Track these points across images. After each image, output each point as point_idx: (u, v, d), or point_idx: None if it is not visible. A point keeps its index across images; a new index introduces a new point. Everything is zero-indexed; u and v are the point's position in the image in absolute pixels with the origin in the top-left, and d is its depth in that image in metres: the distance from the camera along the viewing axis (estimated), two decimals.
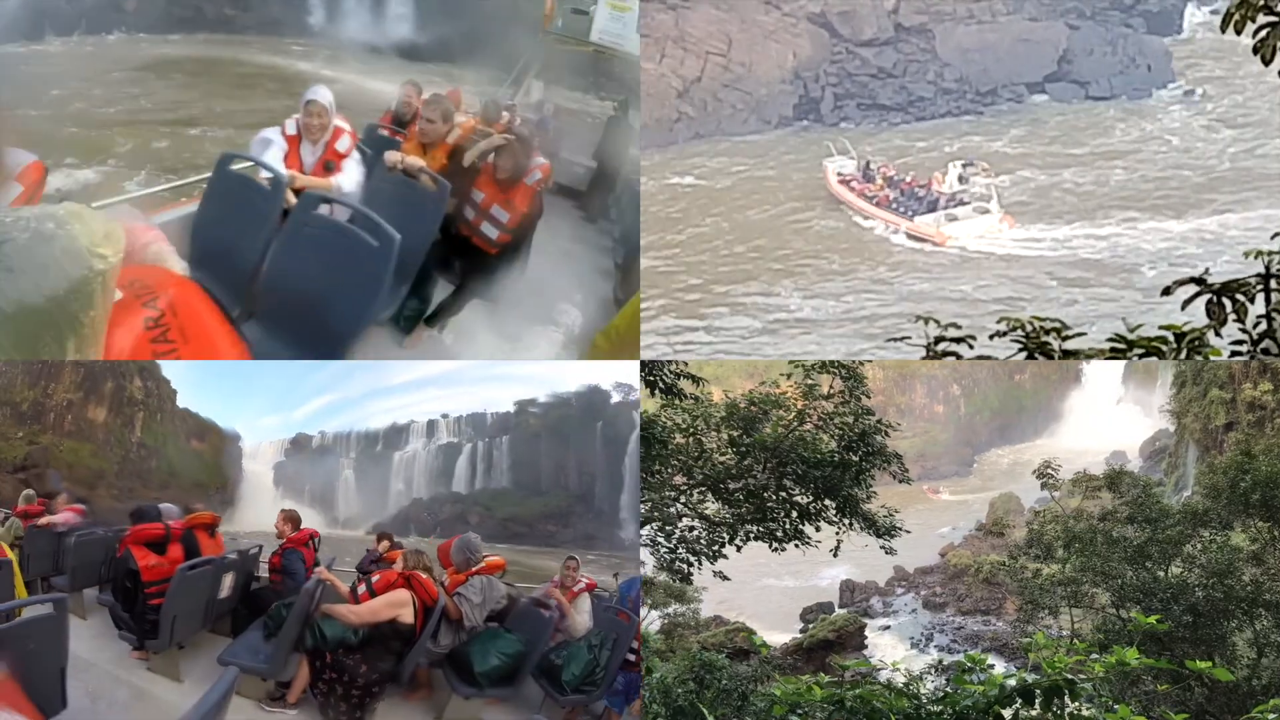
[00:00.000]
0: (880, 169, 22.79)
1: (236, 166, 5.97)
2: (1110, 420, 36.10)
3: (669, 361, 8.35)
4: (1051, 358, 4.08)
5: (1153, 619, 4.51)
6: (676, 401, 8.70)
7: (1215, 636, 9.38)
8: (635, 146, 12.87)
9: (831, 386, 9.19)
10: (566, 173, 11.79)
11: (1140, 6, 28.48)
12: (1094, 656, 3.89)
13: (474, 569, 5.56)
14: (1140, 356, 3.96)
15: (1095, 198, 22.66)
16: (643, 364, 8.47)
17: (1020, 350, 4.11)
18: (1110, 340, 3.98)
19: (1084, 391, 39.25)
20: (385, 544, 6.97)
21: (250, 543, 7.41)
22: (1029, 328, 4.08)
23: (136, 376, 27.55)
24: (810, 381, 9.14)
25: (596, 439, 32.73)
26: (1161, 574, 10.35)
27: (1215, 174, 23.31)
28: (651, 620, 13.94)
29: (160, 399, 29.00)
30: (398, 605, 5.05)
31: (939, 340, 4.29)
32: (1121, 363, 37.83)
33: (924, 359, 4.40)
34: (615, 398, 32.47)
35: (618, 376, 28.30)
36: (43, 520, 7.28)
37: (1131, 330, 3.94)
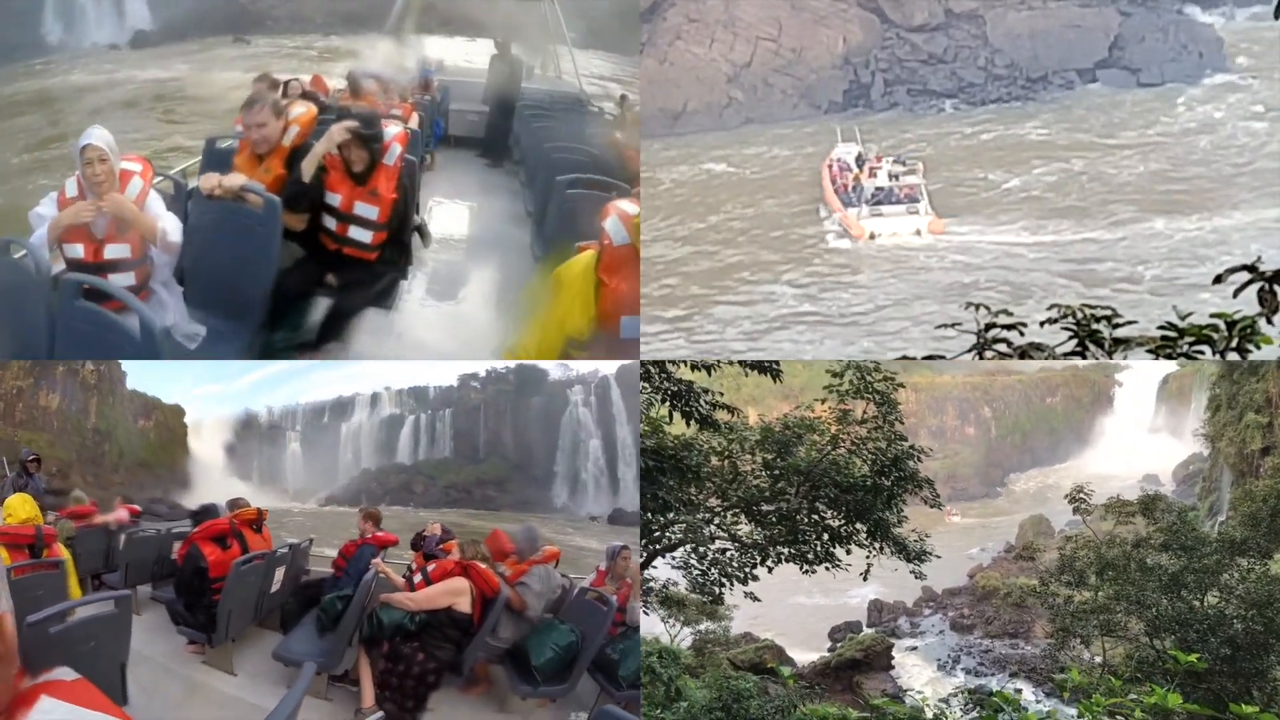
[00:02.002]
0: (872, 159, 22.16)
1: (16, 255, 5.26)
2: (1143, 443, 35.63)
3: (705, 391, 8.37)
4: (1103, 346, 3.98)
5: (1193, 657, 4.49)
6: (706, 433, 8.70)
7: (1255, 671, 9.25)
8: (523, 80, 12.24)
9: (865, 411, 9.24)
10: (461, 123, 11.64)
11: None
12: (1132, 697, 3.87)
13: (534, 558, 5.51)
14: (1190, 344, 3.84)
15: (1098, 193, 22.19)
16: (643, 364, 8.41)
17: (1071, 338, 4.01)
18: (1161, 329, 3.86)
19: (1116, 414, 38.80)
20: (437, 527, 6.87)
21: (300, 537, 7.50)
22: (1079, 315, 3.99)
23: (88, 360, 26.14)
24: (845, 407, 9.20)
25: (532, 412, 35.22)
26: (1197, 604, 10.22)
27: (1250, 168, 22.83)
28: (683, 636, 14.00)
29: (111, 381, 28.28)
30: (455, 593, 5.02)
31: (989, 327, 4.19)
32: (1155, 386, 37.42)
33: (973, 348, 4.24)
34: (553, 375, 34.72)
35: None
36: (97, 519, 7.48)
37: (1183, 318, 3.84)
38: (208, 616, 5.46)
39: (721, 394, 8.64)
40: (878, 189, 20.54)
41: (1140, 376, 37.50)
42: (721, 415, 8.63)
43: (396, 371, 37.70)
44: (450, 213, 8.99)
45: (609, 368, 32.27)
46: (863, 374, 9.12)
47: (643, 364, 8.33)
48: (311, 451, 37.41)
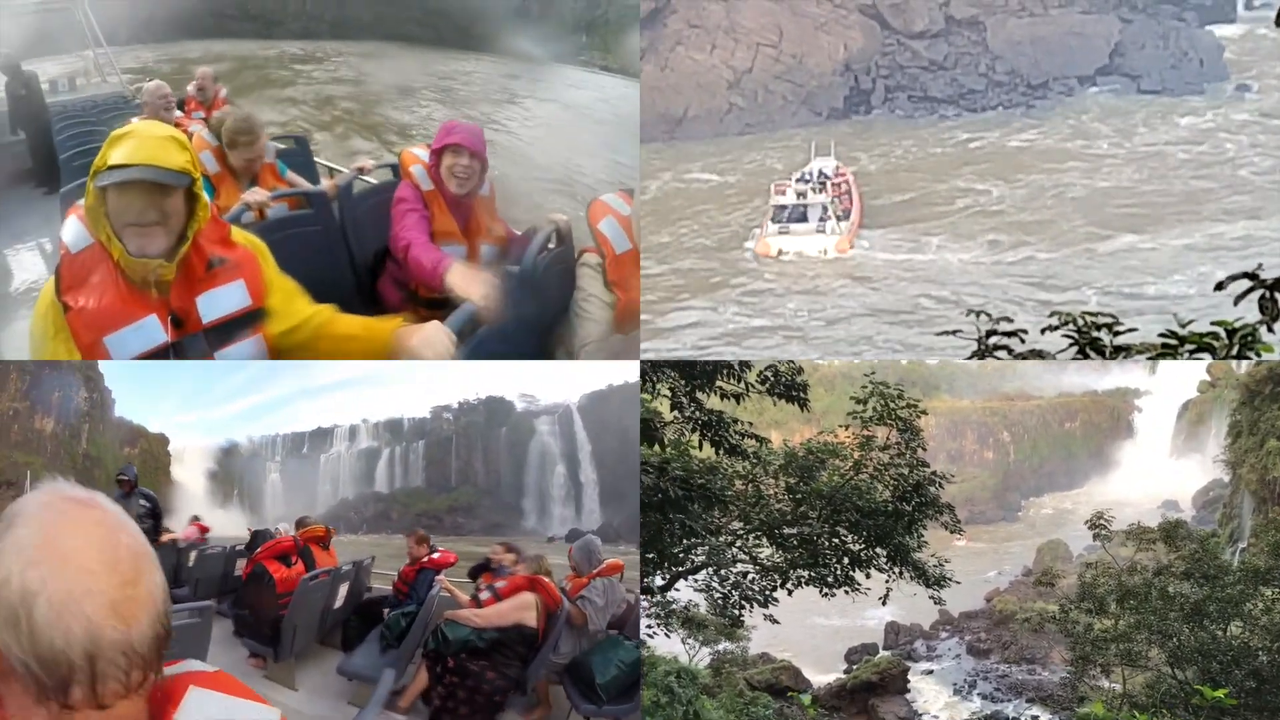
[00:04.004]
0: (836, 173, 22.14)
1: None
2: (1162, 469, 35.39)
3: (734, 420, 8.44)
4: (1103, 353, 3.95)
5: (1221, 692, 4.52)
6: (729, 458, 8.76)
7: None
8: (59, 94, 11.62)
9: (888, 438, 9.29)
10: (7, 159, 10.60)
11: (1193, 0, 28.21)
12: None
13: (595, 571, 5.35)
14: (1191, 353, 3.80)
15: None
16: (644, 364, 8.38)
17: (1071, 345, 3.97)
18: (1162, 336, 3.82)
19: (1135, 440, 38.58)
20: (512, 556, 6.84)
21: (364, 555, 7.56)
22: (1080, 323, 3.95)
23: (83, 387, 27.14)
24: (867, 433, 9.26)
25: (500, 442, 37.07)
26: (1220, 634, 10.15)
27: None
28: (701, 656, 14.04)
29: (102, 408, 28.57)
30: (523, 608, 4.89)
31: (990, 334, 4.15)
32: (1174, 412, 37.16)
33: (973, 355, 4.22)
34: (519, 406, 37.44)
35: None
36: (165, 537, 7.63)
37: (1183, 325, 3.81)
38: (273, 631, 5.54)
39: (751, 424, 8.70)
40: (779, 208, 20.56)
41: (1160, 402, 37.27)
42: (749, 444, 8.71)
43: (374, 404, 39.30)
44: (18, 263, 8.25)
45: (573, 397, 35.22)
46: (886, 401, 9.17)
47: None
48: (290, 480, 38.61)
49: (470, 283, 3.87)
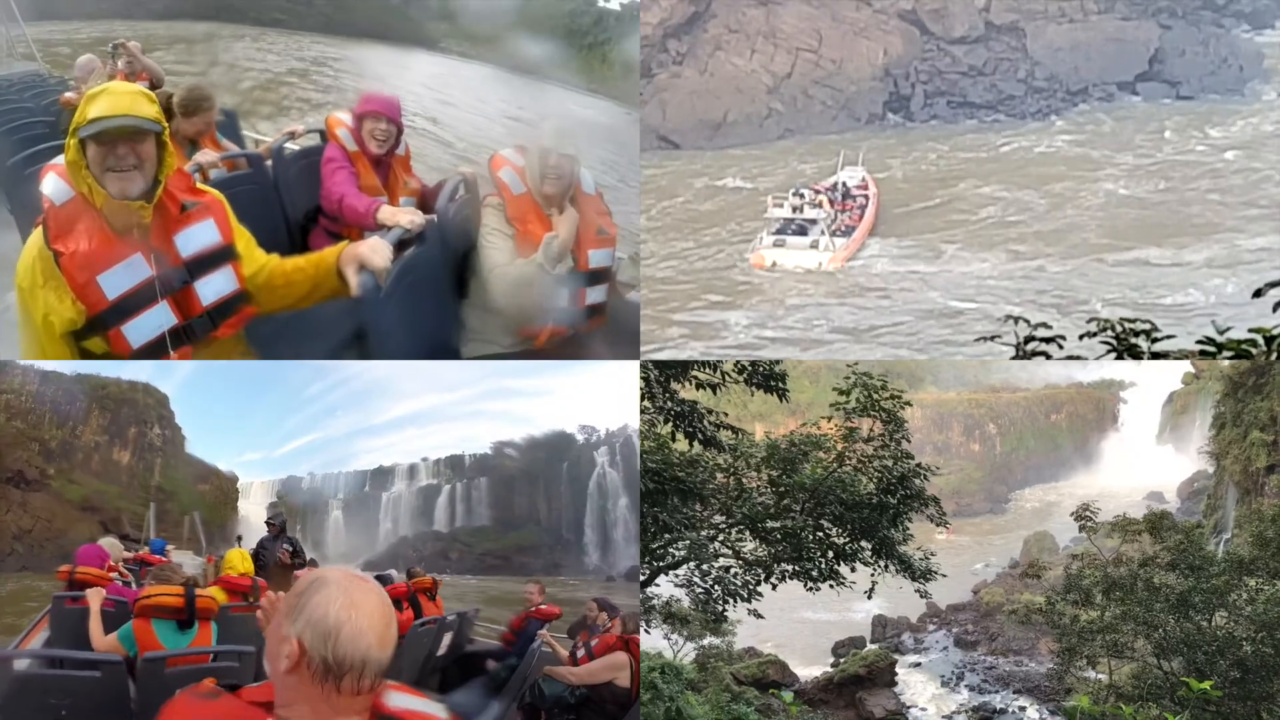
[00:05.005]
0: (859, 185, 22.10)
1: None
2: (1147, 460, 35.59)
3: (709, 411, 8.30)
4: (1140, 359, 3.93)
5: (1207, 684, 4.43)
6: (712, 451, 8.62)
7: (1264, 694, 9.15)
8: None
9: (872, 430, 9.19)
10: None
11: (1233, 6, 28.18)
12: None
13: None
14: (1230, 359, 3.85)
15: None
16: (644, 365, 8.29)
17: (1109, 351, 3.95)
18: (1200, 343, 3.79)
19: (1121, 432, 38.78)
20: (604, 615, 6.87)
21: (470, 606, 7.52)
22: (1118, 329, 3.92)
23: (156, 424, 28.99)
24: (851, 425, 9.14)
25: (563, 478, 36.91)
26: (1205, 625, 10.13)
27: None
28: (686, 652, 13.89)
29: (175, 444, 30.40)
30: (616, 668, 5.03)
31: (1029, 340, 4.14)
32: (1159, 404, 37.36)
33: (1014, 358, 4.23)
34: (579, 439, 37.34)
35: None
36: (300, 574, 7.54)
37: (1221, 332, 3.77)
38: None
39: (726, 414, 8.57)
40: (774, 220, 20.63)
41: (1145, 394, 37.46)
42: (725, 435, 8.57)
43: (434, 440, 39.25)
44: None
45: (634, 421, 33.49)
46: (869, 391, 9.07)
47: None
48: (352, 518, 38.41)
49: (398, 214, 4.66)
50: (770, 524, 9.30)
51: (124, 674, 3.65)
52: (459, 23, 30.61)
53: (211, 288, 3.34)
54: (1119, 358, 3.95)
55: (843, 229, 20.60)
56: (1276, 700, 9.21)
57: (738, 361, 8.70)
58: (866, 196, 21.77)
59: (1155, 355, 3.92)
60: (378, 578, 6.49)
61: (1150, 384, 37.60)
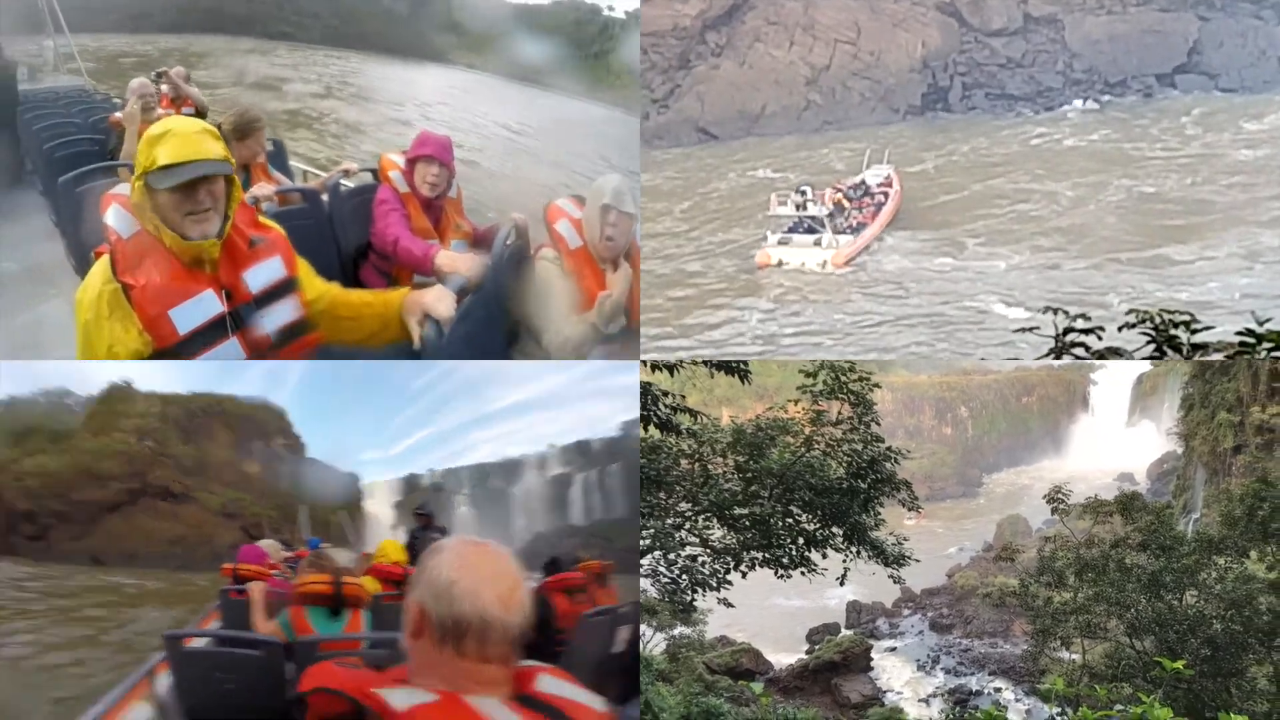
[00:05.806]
0: (881, 184, 21.97)
1: None
2: (1117, 442, 35.87)
3: (664, 394, 8.10)
4: (1180, 351, 3.94)
5: (1179, 663, 4.35)
6: (674, 438, 8.44)
7: (1234, 670, 9.14)
8: (26, 81, 11.48)
9: (840, 413, 9.02)
10: None
11: None
12: (1119, 708, 3.71)
13: None
14: (1270, 351, 3.83)
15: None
16: (643, 365, 8.14)
17: (1149, 343, 3.97)
18: (1239, 334, 3.83)
19: (1091, 414, 39.07)
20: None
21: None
22: (1158, 320, 3.92)
23: (278, 435, 30.50)
24: (819, 408, 8.97)
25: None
26: (1176, 604, 10.13)
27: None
28: (656, 642, 13.71)
29: (296, 451, 31.48)
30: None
31: (1068, 331, 4.14)
32: (1129, 385, 37.65)
33: (1050, 352, 4.22)
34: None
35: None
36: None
37: (1261, 323, 3.80)
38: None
39: (684, 396, 8.37)
40: (778, 218, 20.54)
41: (1115, 376, 37.74)
42: (683, 419, 8.37)
43: (555, 426, 38.04)
44: None
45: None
46: (837, 374, 8.90)
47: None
48: (482, 514, 37.41)
49: (458, 261, 4.72)
50: (738, 511, 9.11)
51: (281, 655, 3.95)
52: (464, 33, 30.57)
53: (274, 319, 3.41)
54: (1158, 350, 3.90)
55: (854, 226, 20.46)
56: (1246, 676, 9.21)
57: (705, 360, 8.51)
58: (886, 194, 21.56)
59: (1195, 347, 3.89)
60: (553, 561, 6.22)
61: (1120, 366, 37.91)
